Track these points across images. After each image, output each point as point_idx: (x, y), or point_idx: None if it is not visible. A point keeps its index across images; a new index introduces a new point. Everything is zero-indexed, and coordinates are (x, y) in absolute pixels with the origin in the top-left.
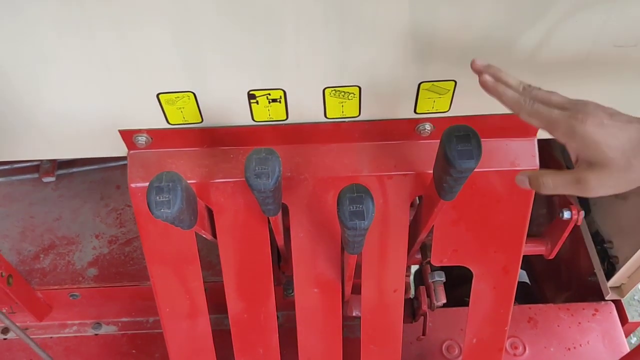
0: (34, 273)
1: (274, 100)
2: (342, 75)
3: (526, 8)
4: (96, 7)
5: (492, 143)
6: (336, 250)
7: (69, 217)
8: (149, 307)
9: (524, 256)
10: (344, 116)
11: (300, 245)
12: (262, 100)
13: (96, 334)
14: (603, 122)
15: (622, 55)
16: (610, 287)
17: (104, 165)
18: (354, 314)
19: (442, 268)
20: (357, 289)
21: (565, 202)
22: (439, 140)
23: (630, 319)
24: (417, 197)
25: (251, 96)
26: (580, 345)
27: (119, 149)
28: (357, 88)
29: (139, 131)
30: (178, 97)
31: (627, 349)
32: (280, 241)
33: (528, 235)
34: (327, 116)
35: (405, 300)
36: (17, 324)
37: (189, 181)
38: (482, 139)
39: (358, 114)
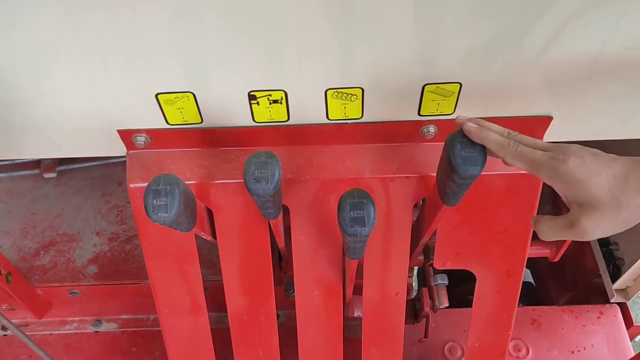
0: (34, 270)
1: (275, 102)
2: (345, 76)
3: (534, 8)
4: (95, 5)
5: None
6: (337, 252)
7: (70, 213)
8: (150, 305)
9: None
10: (347, 118)
11: (301, 247)
12: (263, 101)
13: (96, 332)
14: (585, 161)
15: (633, 57)
16: (615, 290)
17: (106, 162)
18: (355, 315)
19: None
20: (358, 290)
21: None
22: (443, 143)
23: (635, 322)
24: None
25: (252, 97)
26: (585, 348)
27: (119, 149)
28: (360, 89)
29: (138, 131)
30: (177, 97)
31: (632, 353)
32: (280, 243)
33: (532, 237)
34: (329, 118)
35: (407, 301)
36: (17, 321)
37: (188, 182)
38: None
39: (361, 115)
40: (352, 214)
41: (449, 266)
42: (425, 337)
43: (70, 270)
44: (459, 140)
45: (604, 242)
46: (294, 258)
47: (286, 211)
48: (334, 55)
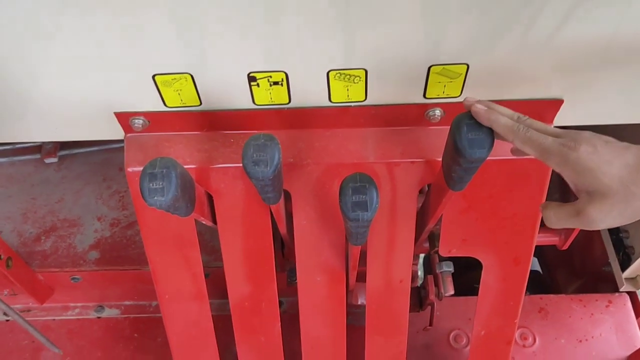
0: (35, 255)
1: (276, 83)
2: (348, 57)
3: None
4: None
5: None
6: (340, 238)
7: (70, 199)
8: (152, 291)
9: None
10: (350, 100)
11: (303, 233)
12: (263, 83)
13: (99, 317)
14: (597, 149)
15: None
16: (625, 278)
17: (107, 147)
18: (359, 302)
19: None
20: (362, 277)
21: None
22: (449, 127)
23: None
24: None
25: (252, 79)
26: (592, 337)
27: (117, 132)
28: (364, 71)
29: (136, 114)
30: (175, 78)
31: None
32: (282, 229)
33: (541, 224)
34: (332, 100)
35: (412, 288)
36: (20, 306)
37: (187, 166)
38: None
39: (364, 98)
40: (354, 198)
41: (454, 253)
42: (430, 325)
43: (71, 256)
44: (465, 122)
45: (613, 230)
46: (296, 244)
47: (288, 196)
48: (336, 34)
